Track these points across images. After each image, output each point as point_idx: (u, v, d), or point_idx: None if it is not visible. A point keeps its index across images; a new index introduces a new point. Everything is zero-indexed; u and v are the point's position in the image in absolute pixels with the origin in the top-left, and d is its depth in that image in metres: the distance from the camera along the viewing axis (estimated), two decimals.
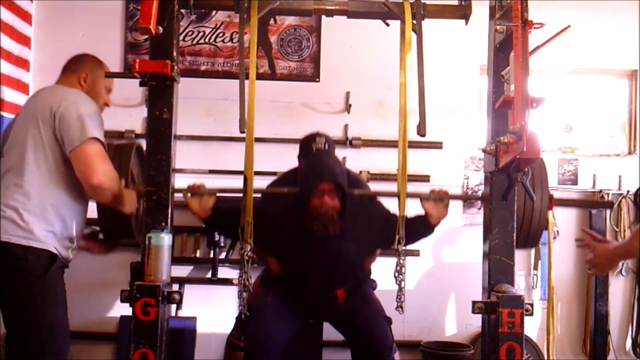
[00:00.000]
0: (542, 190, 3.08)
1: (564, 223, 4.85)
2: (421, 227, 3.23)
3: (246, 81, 2.96)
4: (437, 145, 4.65)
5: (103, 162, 2.83)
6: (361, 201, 3.26)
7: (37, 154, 2.84)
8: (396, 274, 3.00)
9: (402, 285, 3.00)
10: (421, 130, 3.02)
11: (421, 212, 3.23)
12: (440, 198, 3.17)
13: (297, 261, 3.17)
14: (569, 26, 2.82)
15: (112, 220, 3.09)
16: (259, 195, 3.19)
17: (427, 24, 3.12)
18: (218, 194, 3.16)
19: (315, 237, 3.09)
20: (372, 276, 3.51)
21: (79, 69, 3.09)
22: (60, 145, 2.83)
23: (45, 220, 2.82)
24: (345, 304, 3.25)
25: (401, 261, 2.99)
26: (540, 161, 3.09)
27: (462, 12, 3.17)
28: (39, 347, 2.77)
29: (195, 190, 3.11)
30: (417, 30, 3.08)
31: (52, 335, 2.79)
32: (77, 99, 2.91)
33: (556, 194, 4.79)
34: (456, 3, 3.22)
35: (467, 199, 3.20)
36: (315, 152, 3.33)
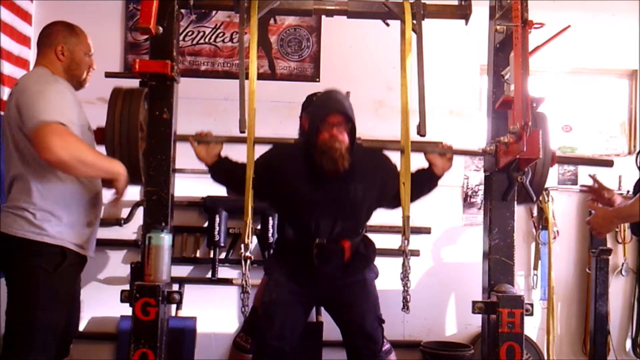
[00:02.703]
0: (545, 148, 3.00)
1: (564, 223, 4.86)
2: (425, 178, 3.19)
3: (246, 81, 2.96)
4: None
5: (58, 136, 2.66)
6: (374, 154, 3.23)
7: (26, 156, 2.81)
8: (402, 275, 2.99)
9: (408, 284, 2.99)
10: (421, 130, 3.02)
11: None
12: (444, 152, 3.14)
13: (305, 201, 3.09)
14: (569, 26, 2.82)
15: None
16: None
17: (427, 23, 3.12)
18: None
19: (324, 176, 3.03)
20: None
21: (53, 42, 2.97)
22: None
23: (57, 215, 2.82)
24: (347, 272, 3.18)
25: (407, 261, 2.98)
26: (543, 117, 3.01)
27: (462, 12, 3.17)
28: (28, 344, 2.76)
29: (202, 138, 3.08)
30: (417, 30, 3.08)
31: (44, 335, 2.79)
32: (30, 86, 2.81)
33: (556, 194, 4.83)
34: (456, 3, 3.22)
35: (469, 154, 3.19)
36: (323, 91, 3.28)
